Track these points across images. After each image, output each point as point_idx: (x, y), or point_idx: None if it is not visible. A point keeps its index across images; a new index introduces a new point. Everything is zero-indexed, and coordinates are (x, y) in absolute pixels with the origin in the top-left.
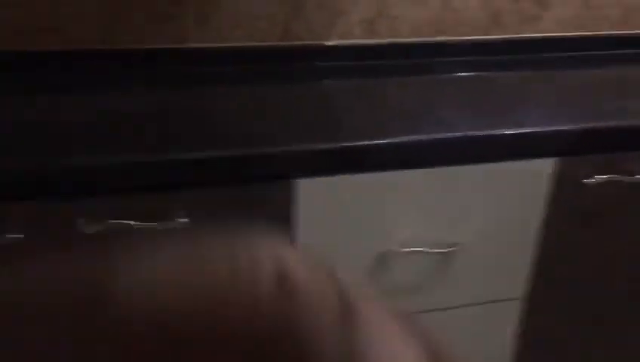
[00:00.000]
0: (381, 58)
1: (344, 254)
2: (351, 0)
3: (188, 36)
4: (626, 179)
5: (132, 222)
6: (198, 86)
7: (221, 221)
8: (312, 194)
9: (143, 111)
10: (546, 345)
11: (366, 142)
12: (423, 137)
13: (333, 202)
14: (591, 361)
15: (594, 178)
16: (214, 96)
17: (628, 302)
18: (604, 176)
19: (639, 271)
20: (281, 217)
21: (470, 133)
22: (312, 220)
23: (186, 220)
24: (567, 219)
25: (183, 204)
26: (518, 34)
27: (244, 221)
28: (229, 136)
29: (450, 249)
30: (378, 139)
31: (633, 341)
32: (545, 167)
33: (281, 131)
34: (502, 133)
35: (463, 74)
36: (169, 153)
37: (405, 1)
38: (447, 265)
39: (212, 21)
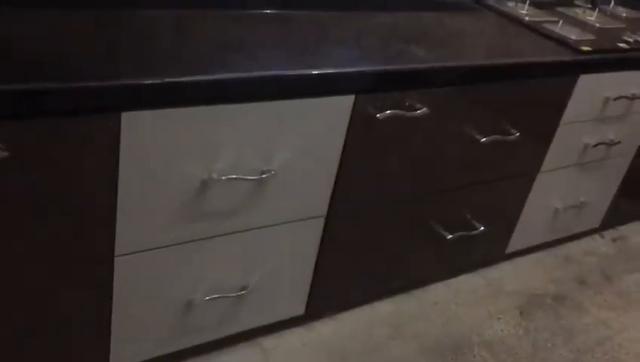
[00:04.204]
0: None
1: (168, 182)
2: None
3: None
4: (407, 113)
5: None
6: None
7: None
8: (136, 126)
9: None
10: (344, 255)
11: (187, 78)
12: (240, 75)
13: (156, 133)
14: (386, 269)
15: (385, 113)
16: (17, 20)
17: (409, 217)
18: (392, 111)
19: (380, 189)
20: (108, 148)
21: (282, 72)
22: (136, 151)
23: (6, 154)
24: (363, 148)
25: (3, 135)
26: None
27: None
28: (49, 66)
29: (264, 175)
30: (198, 75)
31: (416, 250)
32: (345, 103)
33: (101, 62)
34: (309, 73)
35: (268, 11)
36: None
37: None
38: (261, 191)
39: None
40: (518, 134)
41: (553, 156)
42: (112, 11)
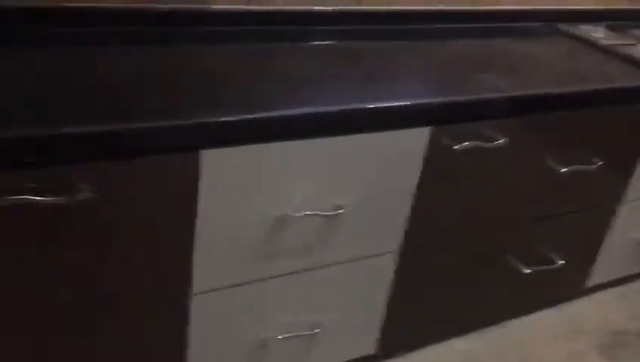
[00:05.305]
0: (256, 24)
1: (245, 219)
2: None
3: None
4: (486, 144)
5: (36, 198)
6: (76, 48)
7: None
8: (215, 164)
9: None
10: (416, 291)
11: (266, 114)
12: (317, 109)
13: (234, 170)
14: (460, 305)
15: (463, 144)
16: (98, 60)
17: (488, 253)
18: (470, 143)
19: (455, 223)
20: (187, 186)
21: (358, 105)
22: (214, 189)
23: (90, 194)
24: (439, 180)
25: (87, 176)
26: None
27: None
28: (129, 105)
29: (339, 211)
30: (275, 111)
31: (491, 286)
32: (422, 135)
33: (178, 100)
34: (386, 105)
35: (329, 42)
36: (71, 126)
37: None
38: (334, 227)
39: None
40: (600, 163)
41: (636, 186)
42: (182, 47)
